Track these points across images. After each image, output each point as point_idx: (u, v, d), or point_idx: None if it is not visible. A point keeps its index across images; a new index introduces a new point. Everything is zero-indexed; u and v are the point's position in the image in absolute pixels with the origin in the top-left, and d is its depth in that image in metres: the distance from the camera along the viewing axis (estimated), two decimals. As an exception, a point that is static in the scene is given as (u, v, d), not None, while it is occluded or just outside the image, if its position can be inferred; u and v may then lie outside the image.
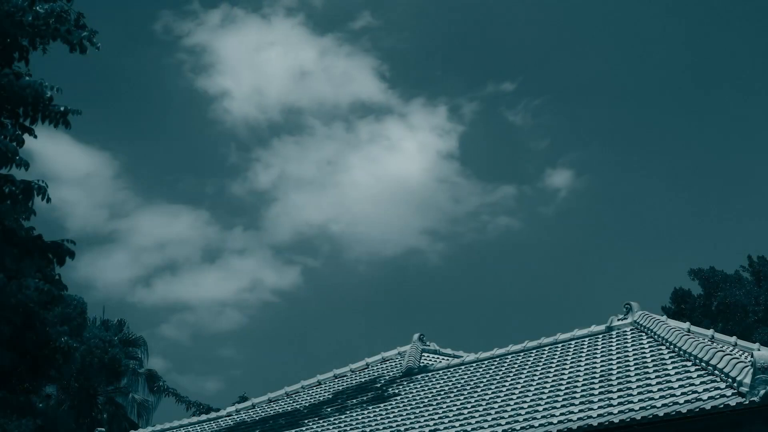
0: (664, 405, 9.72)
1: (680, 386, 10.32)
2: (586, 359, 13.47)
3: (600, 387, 11.47)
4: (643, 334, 14.00)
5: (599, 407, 10.43)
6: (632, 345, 13.53)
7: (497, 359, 15.63)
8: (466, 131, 60.15)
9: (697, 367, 10.94)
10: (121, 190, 58.52)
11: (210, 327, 57.88)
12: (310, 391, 17.97)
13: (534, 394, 12.15)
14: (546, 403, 11.45)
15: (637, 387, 10.87)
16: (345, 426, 13.75)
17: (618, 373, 11.97)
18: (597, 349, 13.98)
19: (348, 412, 14.71)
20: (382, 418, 13.51)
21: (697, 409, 9.27)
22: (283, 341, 60.66)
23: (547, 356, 14.62)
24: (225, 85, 64.12)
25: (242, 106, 61.26)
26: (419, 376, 16.13)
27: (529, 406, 11.51)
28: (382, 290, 61.05)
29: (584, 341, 14.86)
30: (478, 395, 13.26)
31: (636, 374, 11.58)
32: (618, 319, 15.19)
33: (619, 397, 10.70)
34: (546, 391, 12.17)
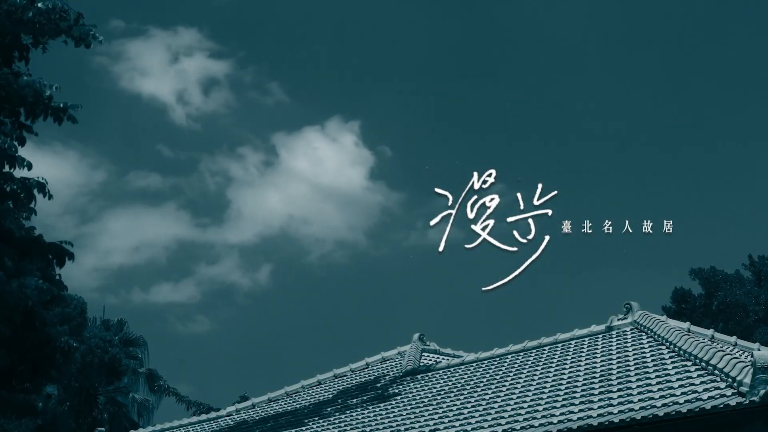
0: (664, 405, 9.72)
1: (680, 386, 10.31)
2: (586, 359, 13.46)
3: (600, 387, 11.46)
4: (643, 333, 13.99)
5: (599, 407, 10.43)
6: (632, 345, 13.52)
7: (497, 359, 15.61)
8: (388, 144, 59.74)
9: (697, 367, 10.93)
10: (85, 194, 58.18)
11: (179, 332, 57.60)
12: (310, 391, 17.95)
13: (534, 394, 12.14)
14: (546, 402, 11.45)
15: (637, 387, 10.87)
16: (345, 426, 13.75)
17: (618, 372, 11.96)
18: (597, 349, 13.97)
19: (348, 411, 14.71)
20: (382, 418, 13.51)
21: (697, 409, 9.27)
22: (257, 345, 60.34)
23: (547, 356, 14.61)
24: (149, 91, 64.12)
25: (174, 113, 61.17)
26: (419, 376, 16.12)
27: (529, 406, 11.50)
28: (346, 292, 60.88)
29: (584, 341, 14.85)
30: (478, 395, 13.25)
31: (636, 374, 11.57)
32: (618, 319, 15.18)
33: (619, 397, 10.69)
34: (546, 390, 12.16)
